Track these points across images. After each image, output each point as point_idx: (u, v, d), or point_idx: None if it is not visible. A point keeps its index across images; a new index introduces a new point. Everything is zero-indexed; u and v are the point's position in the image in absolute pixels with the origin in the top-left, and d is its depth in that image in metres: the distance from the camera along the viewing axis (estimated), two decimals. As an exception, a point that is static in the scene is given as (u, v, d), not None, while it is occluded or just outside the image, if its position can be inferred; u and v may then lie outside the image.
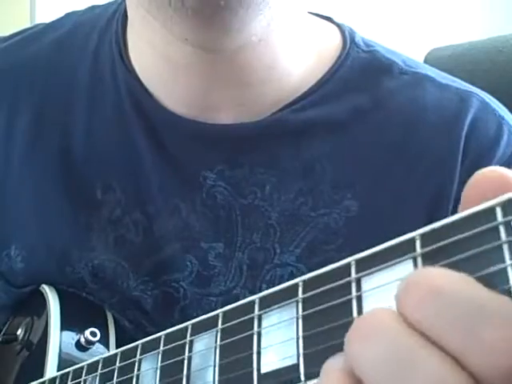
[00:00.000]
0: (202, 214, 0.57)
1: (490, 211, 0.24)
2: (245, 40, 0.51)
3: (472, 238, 0.24)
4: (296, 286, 0.31)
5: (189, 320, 0.56)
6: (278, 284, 0.55)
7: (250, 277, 0.56)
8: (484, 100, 0.58)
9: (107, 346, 0.56)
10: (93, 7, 0.67)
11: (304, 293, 0.31)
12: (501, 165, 0.55)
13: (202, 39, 0.50)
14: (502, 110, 0.59)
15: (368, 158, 0.56)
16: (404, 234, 0.53)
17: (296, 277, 0.54)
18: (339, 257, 0.54)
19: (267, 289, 0.55)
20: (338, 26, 0.62)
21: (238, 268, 0.56)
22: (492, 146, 0.56)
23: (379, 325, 0.25)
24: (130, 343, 0.44)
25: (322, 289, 0.30)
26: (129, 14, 0.58)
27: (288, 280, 0.55)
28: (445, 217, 0.60)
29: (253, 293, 0.56)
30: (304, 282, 0.31)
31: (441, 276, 0.24)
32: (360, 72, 0.58)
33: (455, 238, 0.25)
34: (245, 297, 0.56)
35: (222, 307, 0.56)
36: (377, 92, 0.58)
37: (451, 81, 0.60)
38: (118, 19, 0.61)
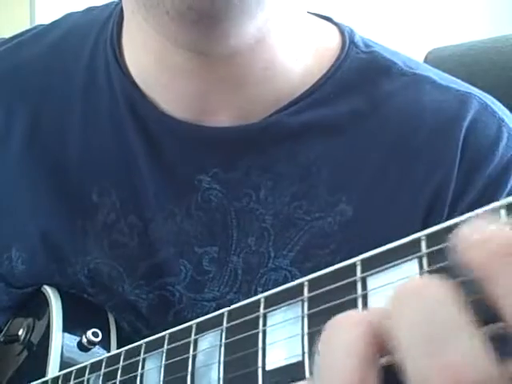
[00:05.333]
0: (196, 217, 0.56)
1: (495, 213, 0.24)
2: (240, 43, 0.50)
3: (477, 238, 0.24)
4: (301, 285, 0.32)
5: (183, 323, 0.57)
6: (272, 288, 0.55)
7: (245, 281, 0.56)
8: (484, 102, 0.58)
9: (108, 347, 0.56)
10: (90, 9, 0.67)
11: (309, 292, 0.31)
12: (500, 167, 0.55)
13: (197, 44, 0.50)
14: (502, 112, 0.58)
15: (364, 161, 0.56)
16: (398, 238, 0.53)
17: (289, 281, 0.55)
18: (333, 261, 0.54)
19: (262, 293, 0.56)
20: (338, 25, 0.62)
21: (233, 272, 0.56)
22: (491, 147, 0.55)
23: (428, 289, 0.25)
24: (129, 343, 0.44)
25: (327, 288, 0.30)
26: (125, 18, 0.58)
27: (282, 284, 0.55)
28: (440, 221, 0.60)
29: (247, 297, 0.56)
30: (309, 281, 0.31)
31: None
32: (358, 73, 0.58)
33: (461, 238, 0.25)
34: (239, 302, 0.56)
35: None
36: (375, 94, 0.57)
37: (452, 82, 0.59)
38: (113, 21, 0.61)
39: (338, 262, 0.54)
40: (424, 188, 0.55)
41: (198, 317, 0.56)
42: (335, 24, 0.62)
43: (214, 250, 0.56)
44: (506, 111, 0.59)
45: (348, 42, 0.59)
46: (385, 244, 0.54)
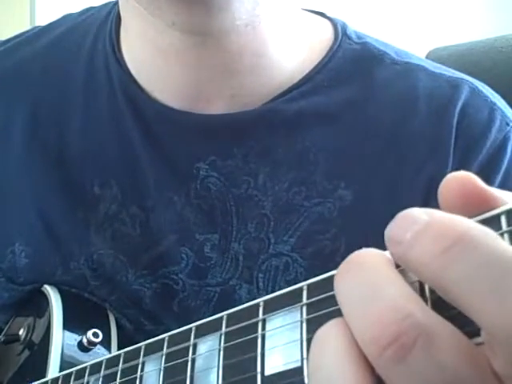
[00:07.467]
0: (196, 205, 0.57)
1: (495, 219, 0.24)
2: (230, 23, 0.51)
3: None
4: (300, 290, 0.32)
5: (187, 312, 0.57)
6: (274, 274, 0.56)
7: (246, 267, 0.57)
8: (476, 87, 0.59)
9: (109, 347, 0.56)
10: (88, 9, 0.68)
11: (308, 297, 0.31)
12: (492, 150, 0.56)
13: (187, 22, 0.51)
14: (494, 96, 0.59)
15: (361, 147, 0.57)
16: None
17: (291, 267, 0.56)
18: (333, 246, 0.56)
19: (264, 279, 0.56)
20: (330, 19, 0.63)
21: (234, 259, 0.57)
22: (484, 131, 0.56)
23: (362, 259, 0.26)
24: (129, 343, 0.44)
25: (326, 293, 0.30)
26: (120, 6, 0.59)
27: (283, 270, 0.56)
28: (438, 206, 0.59)
29: (250, 283, 0.57)
30: (308, 286, 0.31)
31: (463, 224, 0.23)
32: (351, 63, 0.59)
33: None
34: (241, 287, 0.57)
35: (220, 297, 0.57)
36: (368, 82, 0.58)
37: (444, 70, 0.61)
38: (112, 19, 0.62)
39: (339, 247, 0.56)
40: (421, 173, 0.56)
41: (203, 304, 0.57)
42: (328, 18, 0.63)
43: (214, 237, 0.57)
44: (498, 96, 0.60)
45: (341, 34, 0.60)
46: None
